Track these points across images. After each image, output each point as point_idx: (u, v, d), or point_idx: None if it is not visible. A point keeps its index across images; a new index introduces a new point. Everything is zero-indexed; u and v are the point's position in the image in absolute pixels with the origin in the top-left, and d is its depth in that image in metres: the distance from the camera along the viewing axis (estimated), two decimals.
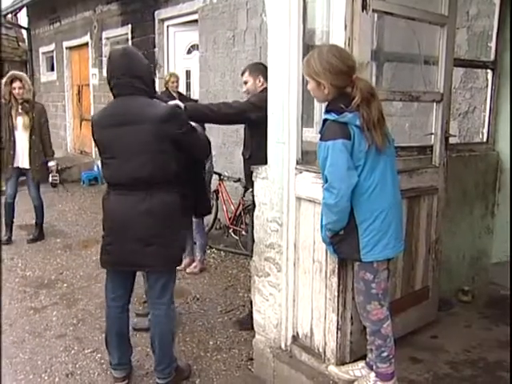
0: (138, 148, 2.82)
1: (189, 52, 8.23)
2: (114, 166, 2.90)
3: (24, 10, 13.70)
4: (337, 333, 2.81)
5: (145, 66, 2.96)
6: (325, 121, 2.45)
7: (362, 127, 2.36)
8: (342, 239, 2.51)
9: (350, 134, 2.36)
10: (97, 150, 3.11)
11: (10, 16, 13.91)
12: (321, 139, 2.44)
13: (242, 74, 3.99)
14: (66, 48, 11.97)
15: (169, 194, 2.91)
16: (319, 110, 5.42)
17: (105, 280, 3.17)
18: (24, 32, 14.47)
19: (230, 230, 6.35)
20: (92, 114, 10.69)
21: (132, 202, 2.86)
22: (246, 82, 3.92)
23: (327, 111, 2.44)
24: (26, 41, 14.31)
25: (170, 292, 3.08)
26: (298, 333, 3.07)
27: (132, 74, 2.84)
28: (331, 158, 2.35)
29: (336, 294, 2.76)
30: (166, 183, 2.90)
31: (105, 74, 10.62)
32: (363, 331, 2.81)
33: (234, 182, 6.27)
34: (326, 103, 2.50)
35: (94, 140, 3.02)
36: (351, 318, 2.83)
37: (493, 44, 4.08)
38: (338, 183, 2.35)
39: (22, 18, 14.56)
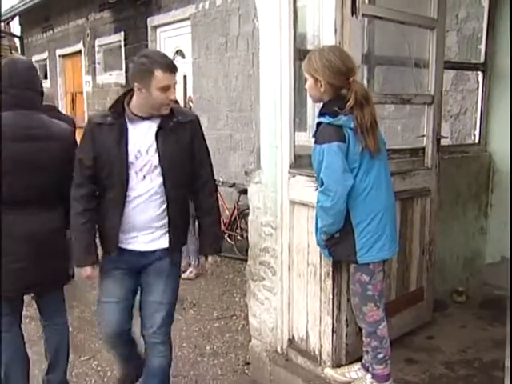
0: (46, 163, 2.72)
1: (173, 58, 8.24)
2: (20, 182, 2.67)
3: (16, 19, 13.69)
4: (332, 335, 2.82)
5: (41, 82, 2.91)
6: (319, 124, 2.46)
7: (355, 130, 2.39)
8: (338, 242, 2.52)
9: (345, 136, 2.37)
10: None
11: (2, 25, 13.90)
12: (315, 142, 2.45)
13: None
14: (59, 56, 11.97)
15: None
16: (312, 113, 5.45)
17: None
18: (17, 40, 14.48)
19: (226, 235, 6.35)
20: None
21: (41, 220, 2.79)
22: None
23: (321, 114, 2.45)
24: (19, 49, 14.31)
25: None
26: (293, 336, 3.08)
27: (36, 88, 2.79)
28: (327, 160, 2.36)
29: (331, 296, 2.77)
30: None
31: (98, 81, 10.54)
32: (359, 333, 2.82)
33: (229, 187, 6.28)
34: (320, 106, 2.51)
35: None
36: (346, 320, 2.84)
37: (482, 46, 4.12)
38: (334, 186, 2.36)
39: (15, 27, 14.56)
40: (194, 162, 2.63)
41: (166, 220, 2.57)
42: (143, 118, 2.51)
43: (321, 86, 2.43)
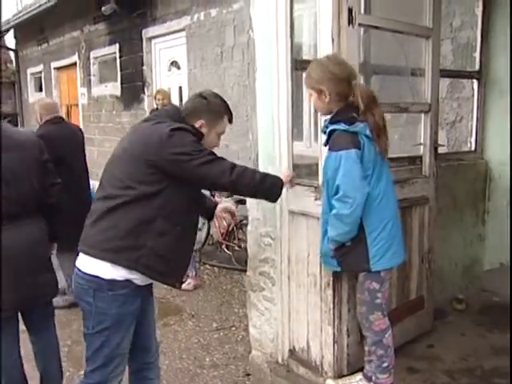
0: (16, 175, 2.68)
1: (169, 69, 8.27)
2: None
3: (11, 32, 13.72)
4: (333, 345, 2.80)
5: None
6: (331, 132, 2.45)
7: (372, 135, 2.40)
8: (349, 251, 2.50)
9: (361, 143, 2.38)
10: None
11: None
12: (330, 149, 2.45)
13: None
14: (54, 68, 11.98)
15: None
16: (308, 123, 5.48)
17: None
18: (11, 53, 14.51)
19: (223, 246, 6.34)
20: None
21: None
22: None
23: (334, 122, 2.44)
24: (14, 62, 14.33)
25: None
26: (294, 347, 3.06)
27: None
28: (344, 167, 2.35)
29: (331, 306, 2.76)
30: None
31: (94, 93, 10.54)
32: (360, 343, 2.81)
33: (226, 197, 6.27)
34: (332, 114, 2.49)
35: None
36: (347, 330, 2.83)
37: (477, 54, 4.14)
38: (353, 193, 2.35)
39: (10, 40, 14.57)
40: None
41: None
42: None
43: (325, 96, 2.44)
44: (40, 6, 10.50)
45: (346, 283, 2.77)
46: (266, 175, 2.48)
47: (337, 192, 2.40)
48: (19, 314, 2.87)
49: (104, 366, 2.34)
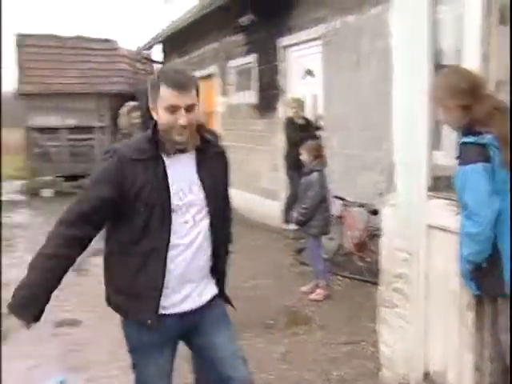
0: None
1: (303, 78, 8.28)
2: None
3: (160, 46, 14.69)
4: (474, 372, 2.60)
5: None
6: (463, 144, 2.33)
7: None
8: (486, 273, 2.32)
9: (490, 156, 2.22)
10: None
11: (145, 52, 15.04)
12: (459, 164, 2.33)
13: None
14: None
15: None
16: (446, 132, 5.17)
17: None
18: (156, 66, 15.58)
19: (355, 257, 6.20)
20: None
21: None
22: None
23: (465, 134, 2.33)
24: None
25: None
26: (429, 370, 2.88)
27: None
28: (471, 183, 2.23)
29: (472, 330, 2.57)
30: None
31: (231, 101, 10.85)
32: (505, 371, 2.57)
33: (359, 207, 6.13)
34: (464, 126, 2.38)
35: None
36: (490, 356, 2.61)
37: None
38: (482, 210, 2.21)
39: (158, 54, 15.63)
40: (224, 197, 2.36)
41: (211, 263, 2.25)
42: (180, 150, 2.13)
43: (452, 110, 2.37)
44: (186, 19, 11.09)
45: (488, 304, 2.55)
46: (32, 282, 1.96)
47: (465, 209, 2.26)
48: None
49: None
